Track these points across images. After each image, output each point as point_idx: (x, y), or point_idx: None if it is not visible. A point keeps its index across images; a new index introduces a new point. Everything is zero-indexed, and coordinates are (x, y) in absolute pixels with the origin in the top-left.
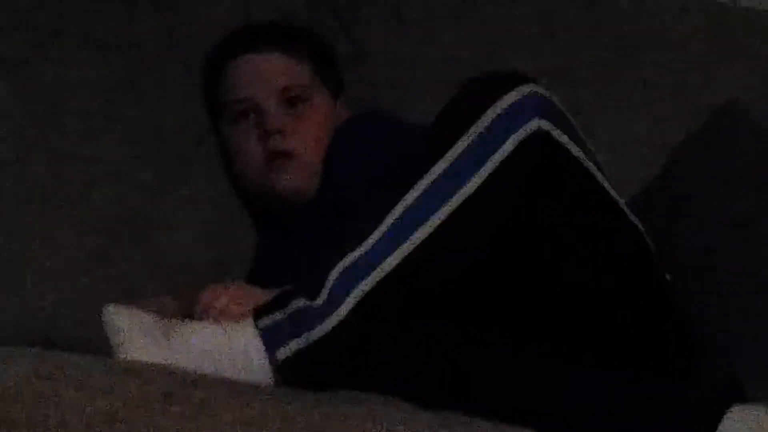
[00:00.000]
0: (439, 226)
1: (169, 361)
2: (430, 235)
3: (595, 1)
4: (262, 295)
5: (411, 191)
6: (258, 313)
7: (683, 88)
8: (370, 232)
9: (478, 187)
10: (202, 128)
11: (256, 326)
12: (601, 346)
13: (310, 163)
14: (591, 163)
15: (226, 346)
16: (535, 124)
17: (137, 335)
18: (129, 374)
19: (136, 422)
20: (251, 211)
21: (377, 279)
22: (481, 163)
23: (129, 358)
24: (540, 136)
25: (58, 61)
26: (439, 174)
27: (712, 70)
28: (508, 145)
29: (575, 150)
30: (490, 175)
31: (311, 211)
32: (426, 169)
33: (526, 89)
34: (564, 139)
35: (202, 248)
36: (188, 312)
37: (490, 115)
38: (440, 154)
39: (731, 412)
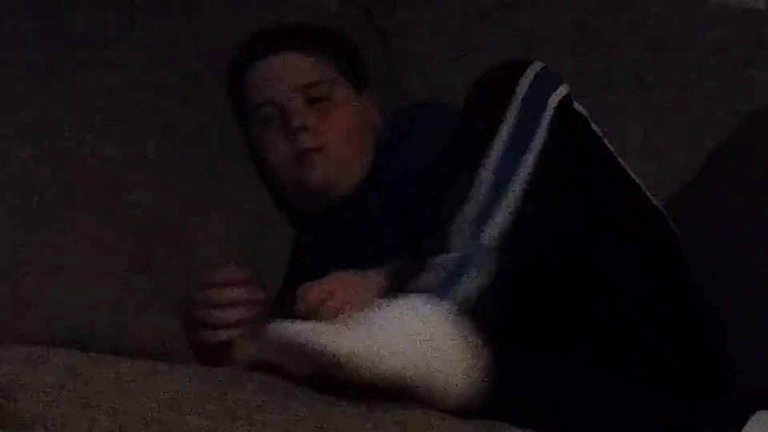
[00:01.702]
0: (529, 177)
1: (372, 348)
2: (528, 185)
3: (629, 6)
4: (363, 279)
5: (489, 153)
6: (397, 286)
7: (719, 92)
8: (468, 190)
9: (542, 143)
10: (235, 130)
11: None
12: (626, 344)
13: (341, 156)
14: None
15: (410, 315)
16: (563, 88)
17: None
18: (162, 376)
19: (170, 424)
20: (287, 211)
21: (509, 218)
22: (536, 123)
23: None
24: (567, 101)
25: (91, 66)
26: (507, 136)
27: (747, 75)
28: (550, 106)
29: (592, 124)
30: (546, 133)
31: (349, 207)
32: (490, 137)
33: (538, 65)
34: (582, 109)
35: (236, 250)
36: None
37: (524, 84)
38: (495, 125)
39: (757, 415)
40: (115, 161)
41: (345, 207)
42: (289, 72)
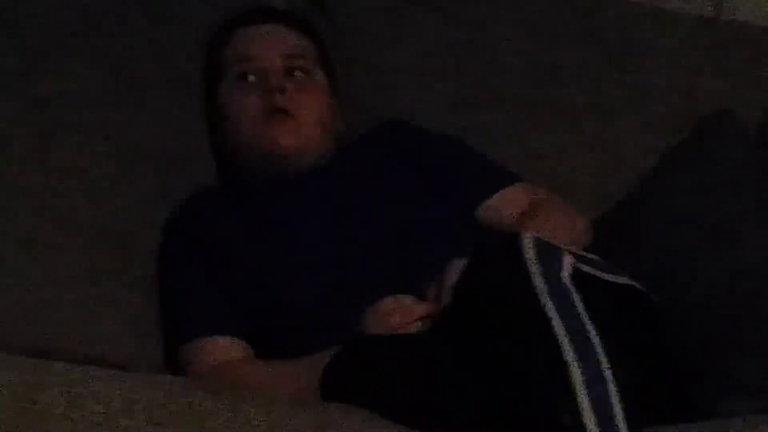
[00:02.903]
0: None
1: None
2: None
3: (580, 7)
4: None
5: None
6: None
7: (667, 95)
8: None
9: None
10: (186, 140)
11: None
12: None
13: (307, 127)
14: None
15: None
16: (565, 259)
17: None
18: (114, 383)
19: (122, 430)
20: (237, 176)
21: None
22: (575, 308)
23: None
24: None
25: (53, 74)
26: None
27: (695, 82)
28: (569, 285)
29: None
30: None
31: (305, 185)
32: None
33: (526, 243)
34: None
35: None
36: None
37: (535, 272)
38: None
39: None
40: (74, 170)
41: (300, 186)
42: (275, 39)
